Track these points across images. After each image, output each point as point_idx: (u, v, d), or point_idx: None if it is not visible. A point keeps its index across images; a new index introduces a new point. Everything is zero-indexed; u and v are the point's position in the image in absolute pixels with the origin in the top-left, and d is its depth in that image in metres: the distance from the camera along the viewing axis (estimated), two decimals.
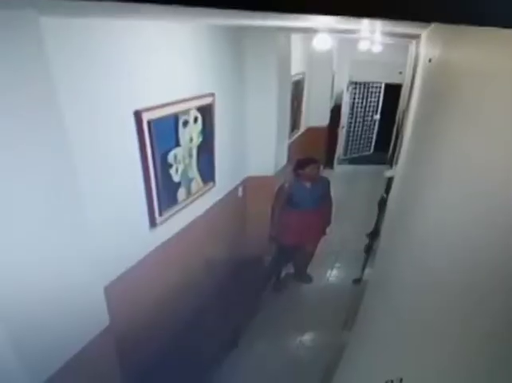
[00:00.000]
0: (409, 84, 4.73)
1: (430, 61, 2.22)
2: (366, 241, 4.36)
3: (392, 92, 7.71)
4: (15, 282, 1.39)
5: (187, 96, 2.62)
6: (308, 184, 3.69)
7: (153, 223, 2.50)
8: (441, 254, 1.28)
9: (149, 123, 2.25)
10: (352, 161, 8.53)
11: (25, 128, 1.31)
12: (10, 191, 1.31)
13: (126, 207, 2.28)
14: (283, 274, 4.37)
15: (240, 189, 3.88)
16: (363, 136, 8.70)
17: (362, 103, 8.36)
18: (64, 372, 1.65)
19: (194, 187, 2.90)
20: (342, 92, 7.62)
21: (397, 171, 3.39)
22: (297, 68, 5.26)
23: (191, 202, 2.90)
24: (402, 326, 1.56)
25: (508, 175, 0.90)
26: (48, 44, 1.33)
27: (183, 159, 2.68)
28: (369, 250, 4.13)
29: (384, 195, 4.04)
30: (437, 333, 1.15)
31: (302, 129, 6.40)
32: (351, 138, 8.56)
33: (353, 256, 4.60)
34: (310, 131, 6.73)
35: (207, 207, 3.22)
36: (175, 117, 2.52)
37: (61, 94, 1.43)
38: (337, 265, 4.79)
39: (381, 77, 7.99)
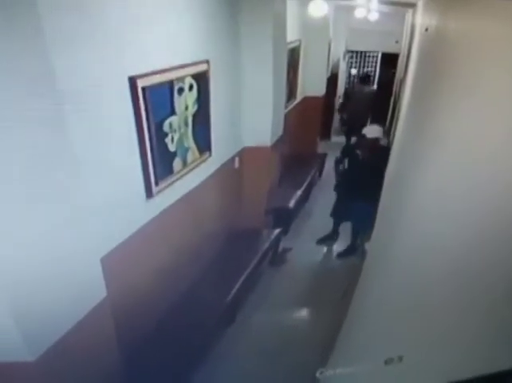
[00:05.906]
0: (406, 54, 4.68)
1: (426, 30, 2.20)
2: None
3: (389, 61, 7.62)
4: (12, 253, 1.41)
5: (181, 62, 2.57)
6: None
7: (149, 194, 2.50)
8: (441, 222, 1.30)
9: (144, 89, 2.22)
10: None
11: (21, 88, 1.30)
12: (7, 163, 1.31)
13: (122, 176, 2.27)
14: (281, 248, 4.42)
15: (236, 160, 3.87)
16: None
17: (359, 73, 8.26)
18: (63, 343, 1.68)
19: (190, 157, 2.90)
20: (339, 61, 7.51)
21: (395, 141, 3.40)
22: (292, 35, 5.15)
23: (187, 172, 2.90)
24: (400, 299, 1.59)
25: (506, 141, 0.91)
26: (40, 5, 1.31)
27: (178, 128, 2.67)
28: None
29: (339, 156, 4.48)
30: (436, 305, 1.18)
31: (299, 99, 6.32)
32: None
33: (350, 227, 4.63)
34: (307, 100, 6.63)
35: (203, 177, 3.21)
36: (170, 84, 2.49)
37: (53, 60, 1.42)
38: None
39: (377, 46, 7.88)
